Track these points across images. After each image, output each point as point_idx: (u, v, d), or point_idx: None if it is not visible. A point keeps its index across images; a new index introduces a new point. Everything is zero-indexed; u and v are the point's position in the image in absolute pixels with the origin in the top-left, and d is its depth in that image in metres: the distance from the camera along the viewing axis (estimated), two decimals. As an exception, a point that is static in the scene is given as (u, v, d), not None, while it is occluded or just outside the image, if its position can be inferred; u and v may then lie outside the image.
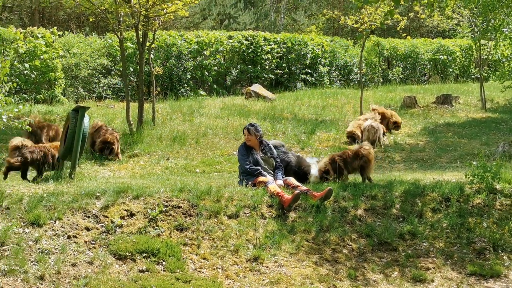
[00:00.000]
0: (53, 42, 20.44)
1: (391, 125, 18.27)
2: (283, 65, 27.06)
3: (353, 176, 11.05)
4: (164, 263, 7.57)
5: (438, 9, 22.73)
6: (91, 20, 20.60)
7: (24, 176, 10.41)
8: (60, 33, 21.97)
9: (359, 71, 24.40)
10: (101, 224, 8.09)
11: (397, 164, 14.77)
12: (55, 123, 15.61)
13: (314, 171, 10.86)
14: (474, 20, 24.76)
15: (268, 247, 8.24)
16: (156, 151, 14.81)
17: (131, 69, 22.38)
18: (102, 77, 22.81)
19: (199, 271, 7.58)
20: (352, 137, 16.32)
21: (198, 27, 35.61)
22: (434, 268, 8.31)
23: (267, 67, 26.59)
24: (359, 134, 16.28)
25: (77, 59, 21.67)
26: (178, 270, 7.46)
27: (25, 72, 19.19)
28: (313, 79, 27.80)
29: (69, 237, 7.65)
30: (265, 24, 40.45)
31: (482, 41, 25.19)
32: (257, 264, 7.89)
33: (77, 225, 7.92)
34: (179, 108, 19.75)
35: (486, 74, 29.73)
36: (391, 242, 8.77)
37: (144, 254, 7.63)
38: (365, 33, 19.90)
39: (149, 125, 16.90)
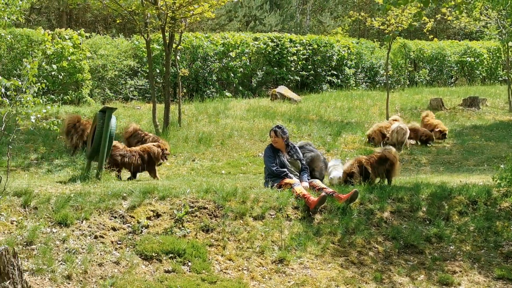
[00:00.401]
0: (80, 44, 20.63)
1: (438, 135, 17.24)
2: (309, 66, 27.03)
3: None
4: (190, 263, 7.58)
5: (465, 11, 22.51)
6: (118, 21, 20.74)
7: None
8: (88, 34, 22.21)
9: (385, 73, 24.27)
10: (128, 225, 8.13)
11: (424, 166, 14.66)
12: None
13: (337, 173, 10.75)
14: (502, 22, 24.48)
15: (293, 249, 8.23)
16: (182, 152, 14.86)
17: (158, 71, 22.52)
18: (129, 79, 23.02)
19: (225, 272, 7.59)
20: (373, 140, 16.26)
21: (224, 29, 35.73)
22: (461, 271, 8.23)
23: (292, 68, 26.58)
24: (375, 137, 16.22)
25: (104, 61, 21.89)
26: (203, 271, 7.47)
27: (52, 73, 19.39)
28: (339, 80, 27.73)
29: (96, 237, 7.70)
30: (290, 26, 40.41)
31: (510, 43, 24.89)
32: (283, 265, 7.87)
33: (103, 225, 7.98)
34: (205, 109, 19.82)
35: (514, 77, 29.38)
36: (418, 245, 8.70)
37: (170, 255, 7.65)
38: (392, 35, 19.77)
39: (175, 126, 16.99)
